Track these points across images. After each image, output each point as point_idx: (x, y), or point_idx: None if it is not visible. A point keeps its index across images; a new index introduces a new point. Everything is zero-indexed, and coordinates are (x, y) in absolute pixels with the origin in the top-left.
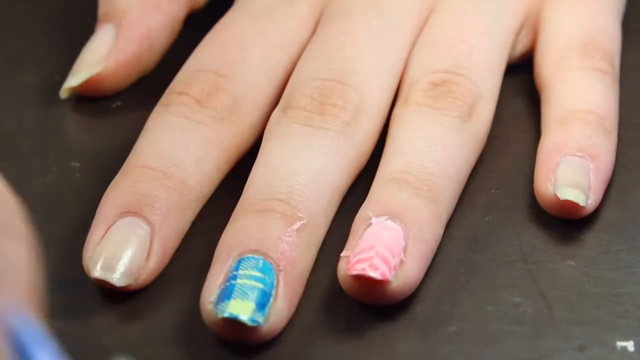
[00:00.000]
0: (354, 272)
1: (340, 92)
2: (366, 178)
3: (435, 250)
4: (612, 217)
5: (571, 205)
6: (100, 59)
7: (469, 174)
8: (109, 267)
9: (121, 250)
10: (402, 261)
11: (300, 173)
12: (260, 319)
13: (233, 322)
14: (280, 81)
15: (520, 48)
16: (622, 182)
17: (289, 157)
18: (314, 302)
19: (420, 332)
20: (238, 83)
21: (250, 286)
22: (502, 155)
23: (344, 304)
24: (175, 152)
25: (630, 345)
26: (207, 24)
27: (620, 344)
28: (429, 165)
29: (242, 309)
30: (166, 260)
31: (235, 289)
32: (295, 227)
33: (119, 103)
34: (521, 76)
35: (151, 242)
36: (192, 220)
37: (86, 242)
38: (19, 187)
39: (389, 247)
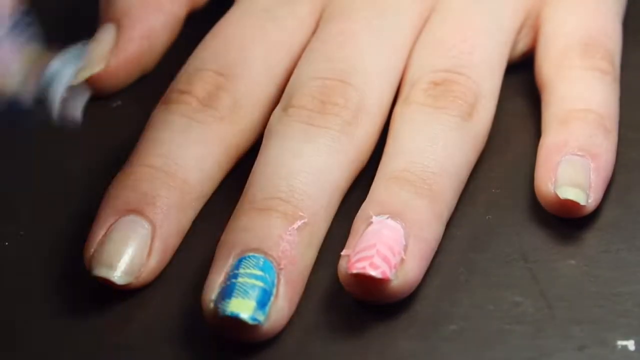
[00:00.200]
0: (355, 271)
1: (341, 91)
2: (367, 177)
3: (435, 249)
4: (612, 217)
5: (571, 205)
6: (101, 58)
7: (469, 173)
8: (110, 265)
9: (122, 249)
10: (402, 260)
11: (301, 172)
12: (261, 317)
13: (234, 321)
14: (281, 80)
15: (521, 47)
16: (622, 182)
17: (290, 156)
18: (314, 301)
19: (420, 331)
20: (239, 82)
21: (251, 285)
22: (502, 155)
23: (344, 303)
24: (176, 151)
25: (630, 345)
26: (208, 23)
27: (620, 343)
28: (429, 164)
29: (243, 307)
30: (167, 259)
31: (236, 287)
32: (296, 225)
33: (119, 102)
34: (522, 76)
35: (152, 240)
36: (193, 218)
37: (87, 241)
38: (20, 186)
39: (389, 246)
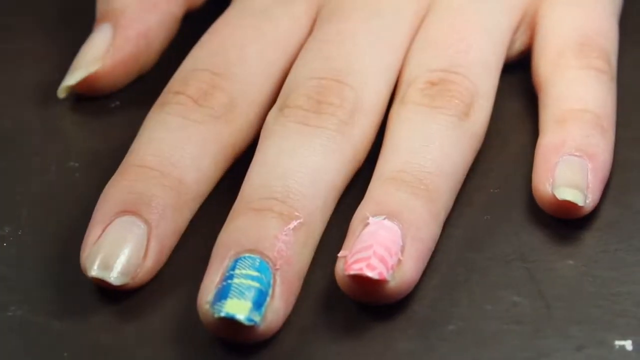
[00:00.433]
0: (352, 272)
1: (337, 91)
2: (363, 177)
3: (432, 249)
4: (610, 217)
5: (570, 206)
6: (97, 57)
7: (466, 172)
8: (106, 266)
9: (118, 249)
10: (399, 261)
11: (297, 172)
12: (257, 318)
13: (230, 322)
14: (277, 80)
15: (518, 46)
16: (620, 182)
17: (286, 156)
18: (310, 302)
19: (418, 332)
20: (235, 82)
21: (247, 285)
22: (500, 155)
23: (341, 305)
24: (172, 150)
25: (628, 344)
26: (206, 24)
27: (618, 343)
28: (426, 164)
29: (238, 308)
30: (163, 259)
31: (232, 288)
32: (291, 226)
33: (117, 103)
34: (518, 75)
35: (148, 241)
36: (189, 218)
37: (83, 242)
38: (18, 186)
39: (386, 247)
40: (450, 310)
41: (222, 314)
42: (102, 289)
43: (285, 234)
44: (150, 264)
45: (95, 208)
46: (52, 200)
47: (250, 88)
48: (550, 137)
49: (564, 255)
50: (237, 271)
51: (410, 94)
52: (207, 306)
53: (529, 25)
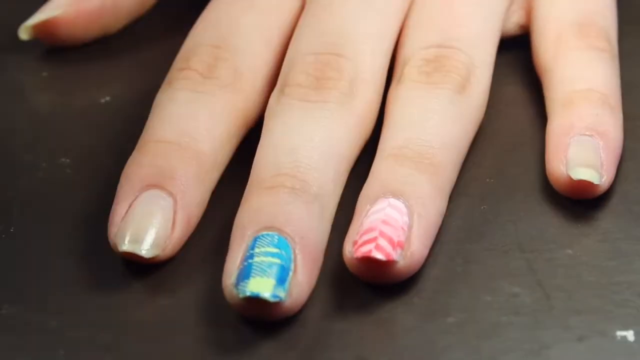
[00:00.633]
0: (360, 255)
1: (334, 64)
2: (370, 158)
3: (439, 224)
4: (609, 206)
5: (586, 185)
6: (61, 4)
7: (469, 145)
8: (137, 239)
9: (147, 223)
10: (407, 239)
11: (304, 147)
12: (281, 294)
13: (256, 301)
14: (277, 47)
15: (516, 20)
16: (618, 171)
17: (291, 133)
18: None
19: (418, 325)
20: (236, 52)
21: (268, 263)
22: (496, 144)
23: (338, 298)
24: (186, 123)
25: (630, 335)
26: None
27: (620, 333)
28: (427, 138)
29: (262, 286)
30: (190, 230)
31: (254, 267)
32: (305, 198)
33: (108, 98)
34: (513, 65)
35: (175, 212)
36: (212, 188)
37: (110, 219)
38: (9, 183)
39: (393, 227)
40: (450, 302)
41: (247, 294)
42: (129, 267)
43: (300, 208)
44: (178, 235)
45: (118, 186)
46: (43, 196)
47: (251, 57)
48: (559, 120)
49: (563, 244)
50: (256, 250)
51: (407, 72)
52: (231, 287)
53: (525, 0)
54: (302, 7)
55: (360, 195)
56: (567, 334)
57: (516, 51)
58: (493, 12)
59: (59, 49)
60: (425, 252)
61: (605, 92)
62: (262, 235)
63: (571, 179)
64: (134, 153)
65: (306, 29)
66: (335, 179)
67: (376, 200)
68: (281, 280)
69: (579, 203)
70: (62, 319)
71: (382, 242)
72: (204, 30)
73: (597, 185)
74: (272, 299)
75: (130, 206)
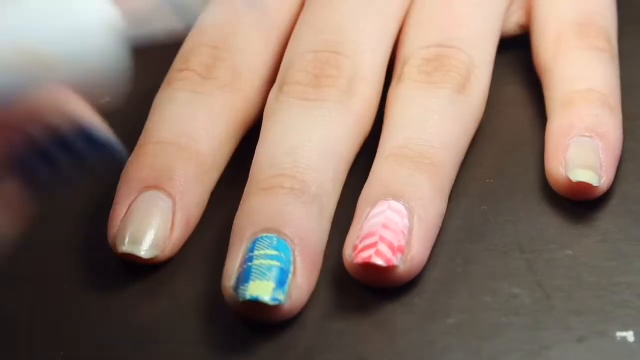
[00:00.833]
0: (360, 261)
1: (333, 62)
2: (369, 155)
3: (440, 225)
4: (609, 207)
5: (585, 187)
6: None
7: (468, 145)
8: (136, 240)
9: (146, 224)
10: (407, 243)
11: (303, 146)
12: (281, 296)
13: (255, 304)
14: (276, 47)
15: (516, 19)
16: (618, 172)
17: (290, 132)
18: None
19: (418, 326)
20: (235, 53)
21: (268, 266)
22: (496, 144)
23: (338, 299)
24: (185, 124)
25: (630, 336)
26: None
27: (620, 334)
28: (427, 138)
29: (262, 290)
30: (190, 231)
31: (253, 270)
32: (304, 199)
33: (107, 99)
34: (513, 65)
35: (174, 213)
36: (211, 189)
37: (110, 220)
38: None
39: (393, 231)
40: (450, 303)
41: (247, 298)
42: (128, 269)
43: (299, 209)
44: (177, 236)
45: (118, 187)
46: (43, 197)
47: (251, 57)
48: (559, 121)
49: (563, 245)
50: (256, 252)
51: (407, 72)
52: (231, 290)
53: (525, 0)
54: (301, 6)
55: (360, 197)
56: (567, 335)
57: (516, 51)
58: (493, 11)
59: None
60: (426, 255)
61: (605, 93)
62: (262, 237)
63: (570, 180)
64: (134, 154)
65: (305, 27)
66: (334, 179)
67: (376, 202)
68: (281, 283)
69: (579, 204)
70: (62, 319)
71: (383, 248)
72: (203, 31)
73: (596, 187)
74: (271, 303)
75: (129, 207)
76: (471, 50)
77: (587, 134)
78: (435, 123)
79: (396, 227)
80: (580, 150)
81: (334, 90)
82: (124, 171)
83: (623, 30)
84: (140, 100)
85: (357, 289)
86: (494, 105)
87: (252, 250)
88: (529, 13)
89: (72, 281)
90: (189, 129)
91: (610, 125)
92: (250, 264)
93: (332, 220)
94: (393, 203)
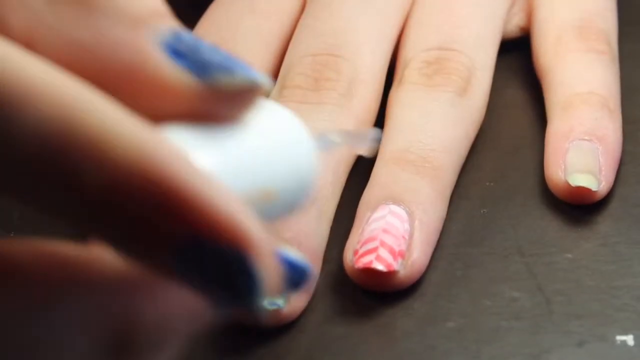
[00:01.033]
0: (361, 265)
1: (332, 65)
2: (369, 160)
3: (440, 229)
4: (609, 210)
5: (584, 191)
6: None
7: (469, 148)
8: None
9: None
10: (408, 247)
11: None
12: (280, 301)
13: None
14: (276, 52)
15: (516, 22)
16: (618, 175)
17: None
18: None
19: (418, 330)
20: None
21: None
22: (495, 147)
23: (338, 303)
24: None
25: (629, 339)
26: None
27: (620, 338)
28: (428, 141)
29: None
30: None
31: None
32: None
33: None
34: (512, 68)
35: None
36: None
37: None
38: None
39: (394, 236)
40: (450, 307)
41: None
42: None
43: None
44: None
45: None
46: None
47: (249, 60)
48: (558, 124)
49: (562, 248)
50: None
51: (407, 74)
52: None
53: (526, 2)
54: (302, 10)
55: (360, 201)
56: (567, 339)
57: (516, 54)
58: (494, 14)
59: None
60: (427, 260)
61: (605, 95)
62: None
63: (569, 185)
64: None
65: (305, 29)
66: (333, 182)
67: (377, 206)
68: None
69: (579, 207)
70: None
71: (383, 253)
72: (204, 34)
73: (595, 191)
74: (270, 307)
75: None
76: (472, 53)
77: (586, 138)
78: (436, 126)
79: (397, 232)
80: (579, 154)
81: (333, 93)
82: None
83: (622, 32)
84: None
85: (356, 293)
86: (494, 108)
87: None
88: (529, 15)
89: None
90: None
91: (609, 129)
92: None
93: (331, 223)
94: (394, 207)
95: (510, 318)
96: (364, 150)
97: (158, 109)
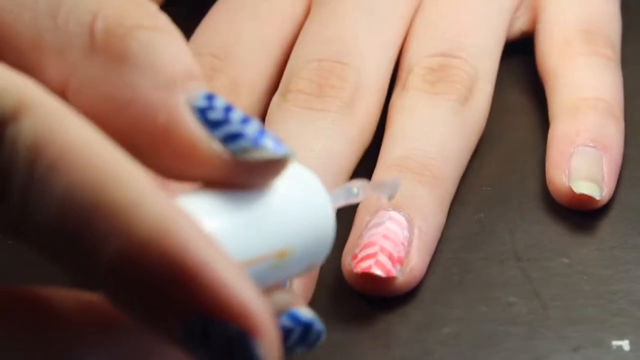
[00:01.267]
0: (359, 270)
1: (337, 72)
2: (370, 158)
3: (438, 237)
4: (605, 214)
5: (586, 199)
6: None
7: (470, 157)
8: None
9: None
10: (407, 254)
11: (304, 157)
12: None
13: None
14: (278, 59)
15: (519, 26)
16: None
17: (290, 141)
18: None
19: (414, 336)
20: (235, 62)
21: None
22: (493, 152)
23: (334, 308)
24: None
25: (625, 345)
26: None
27: (615, 343)
28: (429, 149)
29: None
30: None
31: None
32: None
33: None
34: (513, 72)
35: None
36: None
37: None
38: None
39: (393, 241)
40: (446, 312)
41: None
42: None
43: None
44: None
45: None
46: None
47: (250, 68)
48: (563, 127)
49: (558, 253)
50: None
51: (410, 80)
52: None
53: (530, 5)
54: (305, 15)
55: (360, 205)
56: (563, 344)
57: (518, 57)
58: (499, 23)
59: None
60: (424, 267)
61: (612, 102)
62: None
63: (572, 191)
64: None
65: (311, 34)
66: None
67: (376, 211)
68: None
69: (575, 212)
70: None
71: (382, 258)
72: (205, 38)
73: (597, 200)
74: None
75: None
76: (475, 61)
77: (591, 144)
78: (438, 135)
79: (396, 238)
80: (584, 160)
81: (337, 101)
82: None
83: (623, 35)
84: None
85: (352, 298)
86: (491, 112)
87: None
88: (532, 19)
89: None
90: None
91: (615, 138)
92: None
93: None
94: (393, 213)
95: (507, 324)
96: (386, 199)
97: (185, 171)
